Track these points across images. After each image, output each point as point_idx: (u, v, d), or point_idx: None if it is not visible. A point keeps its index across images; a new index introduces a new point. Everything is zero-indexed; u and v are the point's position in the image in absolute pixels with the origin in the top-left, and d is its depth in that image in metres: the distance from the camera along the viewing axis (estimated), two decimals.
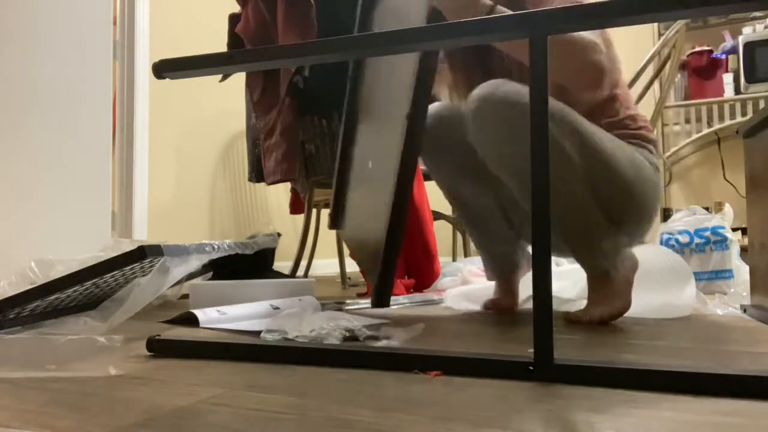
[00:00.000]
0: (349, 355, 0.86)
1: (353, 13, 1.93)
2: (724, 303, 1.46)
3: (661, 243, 1.95)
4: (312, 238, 2.82)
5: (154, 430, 0.57)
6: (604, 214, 1.21)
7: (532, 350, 0.74)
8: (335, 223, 1.67)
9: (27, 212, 1.81)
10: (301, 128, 2.09)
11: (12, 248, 1.74)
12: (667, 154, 3.51)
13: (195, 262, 1.40)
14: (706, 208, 2.03)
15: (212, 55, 0.94)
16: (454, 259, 2.68)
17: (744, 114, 3.35)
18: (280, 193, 3.31)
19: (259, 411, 0.63)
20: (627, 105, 1.32)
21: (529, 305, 1.33)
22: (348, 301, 1.63)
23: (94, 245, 1.68)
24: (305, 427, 0.57)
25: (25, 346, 0.92)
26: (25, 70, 1.83)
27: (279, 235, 2.08)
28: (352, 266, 2.46)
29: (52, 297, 1.14)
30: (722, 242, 1.84)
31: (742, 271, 1.81)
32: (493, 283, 1.54)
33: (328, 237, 2.98)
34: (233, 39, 2.12)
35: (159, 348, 0.95)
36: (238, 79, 2.31)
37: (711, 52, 3.51)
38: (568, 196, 1.18)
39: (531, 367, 0.74)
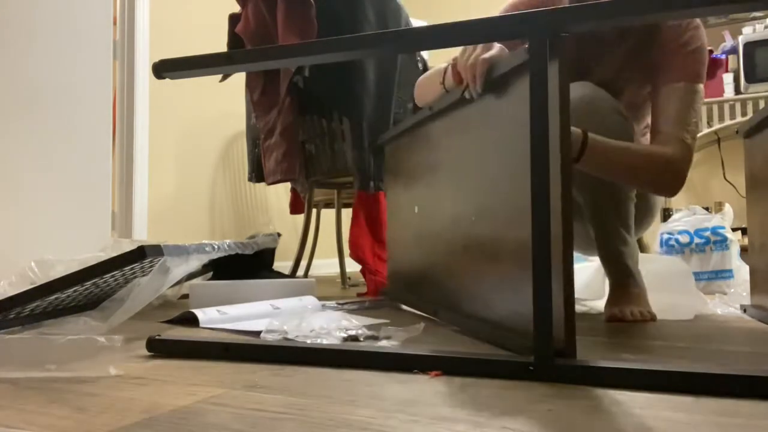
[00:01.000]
0: (349, 355, 0.86)
1: (353, 13, 1.93)
2: (724, 303, 1.46)
3: (661, 243, 1.95)
4: (312, 238, 2.82)
5: (154, 430, 0.57)
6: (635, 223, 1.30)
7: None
8: None
9: (27, 212, 1.81)
10: (301, 128, 2.08)
11: (12, 248, 1.74)
12: None
13: (195, 262, 1.40)
14: (706, 208, 2.03)
15: (212, 55, 0.94)
16: None
17: (744, 114, 3.35)
18: (280, 193, 3.31)
19: (259, 411, 0.63)
20: None
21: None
22: (348, 301, 1.63)
23: (94, 245, 1.68)
24: (305, 427, 0.57)
25: (25, 346, 0.92)
26: (25, 71, 1.83)
27: (279, 235, 2.08)
28: (352, 266, 2.46)
29: (52, 297, 1.14)
30: (722, 242, 1.84)
31: (742, 271, 1.81)
32: None
33: (328, 237, 2.98)
34: (233, 39, 2.12)
35: (159, 348, 0.96)
36: (238, 79, 2.31)
37: (711, 52, 3.50)
38: (625, 204, 1.25)
39: (531, 367, 0.74)
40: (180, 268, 1.29)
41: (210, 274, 1.83)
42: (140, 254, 1.12)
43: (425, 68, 2.21)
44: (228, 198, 3.03)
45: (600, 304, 1.40)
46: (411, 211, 1.47)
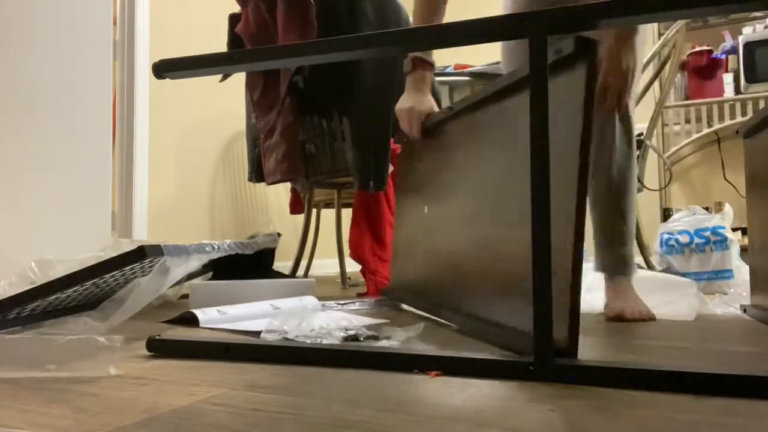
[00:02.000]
0: (349, 355, 0.86)
1: (353, 13, 1.93)
2: (724, 303, 1.46)
3: (661, 243, 1.95)
4: (312, 238, 2.82)
5: (154, 430, 0.57)
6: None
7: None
8: None
9: (27, 212, 1.81)
10: (301, 128, 2.08)
11: (12, 248, 1.74)
12: (667, 154, 3.51)
13: (195, 262, 1.40)
14: (706, 208, 2.04)
15: (212, 55, 0.94)
16: None
17: (744, 114, 3.35)
18: (280, 193, 3.31)
19: (259, 411, 0.63)
20: None
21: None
22: (348, 301, 1.63)
23: (94, 245, 1.68)
24: (305, 427, 0.57)
25: (25, 346, 0.92)
26: (25, 70, 1.83)
27: (279, 235, 2.08)
28: (352, 266, 2.45)
29: (52, 297, 1.14)
30: (722, 242, 1.84)
31: (742, 271, 1.81)
32: None
33: (328, 237, 2.98)
34: (233, 39, 2.12)
35: (159, 348, 0.96)
36: (238, 79, 2.31)
37: (711, 52, 3.51)
38: (628, 207, 1.30)
39: (531, 367, 0.74)
40: (180, 268, 1.29)
41: (210, 274, 1.83)
42: (140, 254, 1.12)
43: None
44: (228, 198, 3.03)
45: (598, 303, 1.40)
46: (421, 211, 1.47)
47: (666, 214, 3.26)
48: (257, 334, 1.10)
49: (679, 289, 1.37)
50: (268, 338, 1.05)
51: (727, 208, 1.96)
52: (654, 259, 2.03)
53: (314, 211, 2.70)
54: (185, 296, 1.69)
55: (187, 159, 2.81)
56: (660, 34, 3.57)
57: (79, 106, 1.96)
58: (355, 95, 1.92)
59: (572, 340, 0.76)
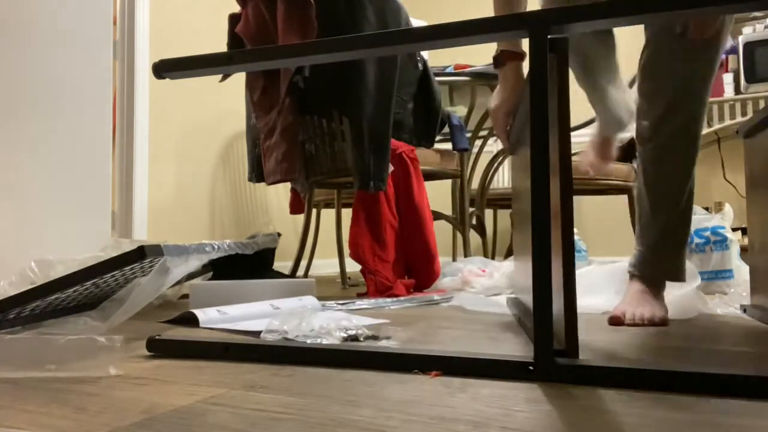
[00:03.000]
0: (349, 355, 0.86)
1: (353, 13, 1.93)
2: (724, 303, 1.46)
3: None
4: (312, 238, 2.82)
5: (154, 430, 0.57)
6: None
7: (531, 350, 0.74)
8: None
9: (27, 212, 1.81)
10: (301, 128, 2.08)
11: (12, 248, 1.74)
12: None
13: (195, 262, 1.40)
14: (706, 208, 2.03)
15: (212, 55, 0.94)
16: (454, 259, 2.68)
17: (744, 114, 3.35)
18: (280, 193, 3.31)
19: (259, 411, 0.63)
20: None
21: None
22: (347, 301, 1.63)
23: (94, 245, 1.68)
24: (305, 427, 0.57)
25: (25, 346, 0.92)
26: (25, 70, 1.83)
27: (279, 235, 2.08)
28: (352, 266, 2.45)
29: (52, 297, 1.14)
30: (722, 242, 1.84)
31: (742, 271, 1.81)
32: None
33: (328, 237, 2.98)
34: (233, 39, 2.12)
35: (159, 348, 0.96)
36: (238, 79, 2.31)
37: None
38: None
39: (531, 367, 0.74)
40: (180, 268, 1.29)
41: (210, 274, 1.83)
42: (140, 254, 1.12)
43: (425, 68, 2.21)
44: (228, 198, 3.03)
45: (599, 303, 1.40)
46: None
47: None
48: (257, 334, 1.10)
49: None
50: (268, 338, 1.05)
51: (727, 208, 1.96)
52: None
53: (314, 211, 2.70)
54: (185, 296, 1.69)
55: (187, 159, 2.81)
56: None
57: (79, 106, 1.96)
58: (356, 95, 1.92)
59: (570, 340, 0.76)
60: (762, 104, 3.29)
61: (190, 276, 1.70)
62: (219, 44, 2.20)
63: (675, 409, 0.61)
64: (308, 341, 0.99)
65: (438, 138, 2.31)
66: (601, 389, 0.69)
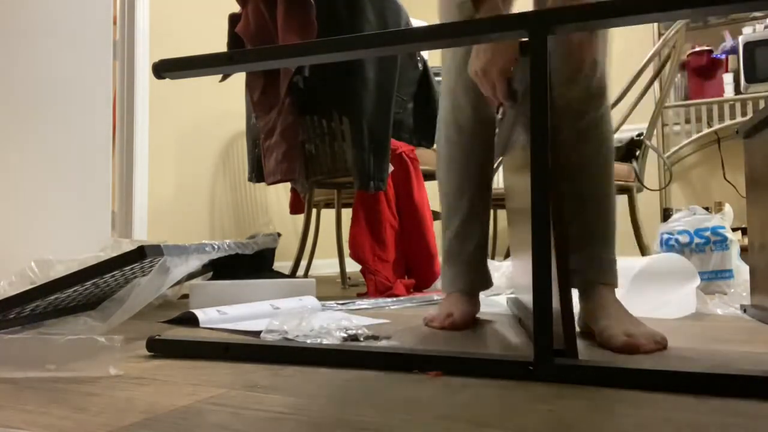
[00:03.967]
0: (350, 355, 0.86)
1: (353, 13, 1.93)
2: (724, 303, 1.46)
3: (661, 243, 1.95)
4: (312, 238, 2.82)
5: (154, 430, 0.57)
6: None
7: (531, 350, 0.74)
8: None
9: (27, 212, 1.81)
10: (301, 128, 2.09)
11: (12, 248, 1.74)
12: (667, 154, 3.51)
13: (195, 262, 1.40)
14: (706, 208, 2.03)
15: (212, 55, 0.94)
16: None
17: (744, 114, 3.35)
18: (280, 193, 3.31)
19: (259, 411, 0.63)
20: None
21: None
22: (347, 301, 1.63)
23: (94, 245, 1.68)
24: (305, 427, 0.57)
25: (25, 346, 0.92)
26: (25, 70, 1.83)
27: (279, 235, 2.08)
28: (352, 266, 2.45)
29: (52, 297, 1.14)
30: (722, 242, 1.84)
31: (742, 271, 1.81)
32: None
33: (328, 237, 2.98)
34: (233, 39, 2.12)
35: (159, 348, 0.96)
36: (238, 79, 2.31)
37: (711, 52, 3.51)
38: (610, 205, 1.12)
39: (531, 367, 0.74)
40: (180, 268, 1.29)
41: (210, 274, 1.83)
42: (140, 254, 1.12)
43: (425, 68, 2.21)
44: (228, 198, 3.03)
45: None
46: None
47: (666, 214, 3.25)
48: (257, 334, 1.10)
49: (680, 282, 1.36)
50: (268, 338, 1.05)
51: (727, 208, 1.96)
52: None
53: (314, 211, 2.70)
54: (185, 296, 1.69)
55: (187, 159, 2.81)
56: (660, 34, 3.57)
57: (79, 106, 1.96)
58: (356, 95, 1.92)
59: (569, 340, 0.76)
60: (762, 104, 3.29)
61: (190, 276, 1.70)
62: (219, 44, 2.20)
63: (675, 409, 0.61)
64: (308, 341, 0.99)
65: None
66: (601, 389, 0.69)
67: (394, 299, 1.72)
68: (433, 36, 0.84)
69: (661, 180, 3.36)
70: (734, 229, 1.97)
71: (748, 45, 3.27)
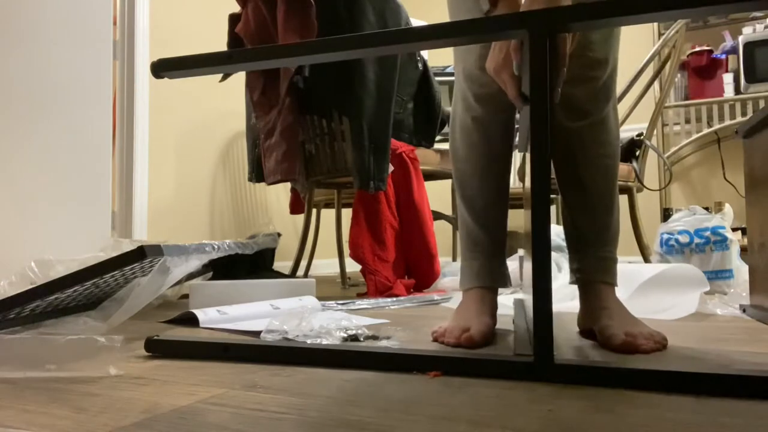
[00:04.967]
0: (349, 356, 0.86)
1: (353, 13, 1.93)
2: (723, 303, 1.46)
3: (661, 243, 1.95)
4: (312, 238, 2.82)
5: (154, 430, 0.57)
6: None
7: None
8: None
9: (27, 212, 1.81)
10: (301, 128, 2.09)
11: (12, 248, 1.74)
12: (667, 154, 3.51)
13: (195, 262, 1.40)
14: (706, 208, 2.03)
15: (211, 54, 0.94)
16: (454, 259, 2.68)
17: (744, 114, 3.35)
18: (280, 193, 3.31)
19: (259, 411, 0.63)
20: None
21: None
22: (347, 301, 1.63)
23: (94, 245, 1.68)
24: (305, 427, 0.57)
25: (25, 346, 0.92)
26: (25, 70, 1.83)
27: (279, 235, 2.08)
28: (352, 266, 2.46)
29: (52, 297, 1.14)
30: (722, 242, 1.84)
31: (742, 271, 1.81)
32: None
33: (328, 237, 2.98)
34: (233, 39, 2.12)
35: (159, 348, 0.96)
36: (238, 79, 2.31)
37: (711, 52, 3.51)
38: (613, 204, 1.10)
39: (531, 367, 0.74)
40: (180, 268, 1.29)
41: (210, 274, 1.83)
42: (140, 254, 1.13)
43: (425, 68, 2.21)
44: (228, 198, 3.03)
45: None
46: None
47: (666, 214, 3.25)
48: (257, 334, 1.10)
49: (688, 288, 1.35)
50: (268, 338, 1.05)
51: (727, 208, 1.96)
52: (654, 259, 2.03)
53: (314, 211, 2.70)
54: (185, 296, 1.69)
55: (187, 159, 2.81)
56: (660, 34, 3.57)
57: (79, 106, 1.96)
58: (356, 95, 1.92)
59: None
60: (762, 104, 3.29)
61: (190, 276, 1.70)
62: (219, 44, 2.20)
63: (675, 409, 0.61)
64: (308, 341, 0.99)
65: (438, 138, 2.31)
66: (601, 389, 0.69)
67: (394, 299, 1.72)
68: (433, 36, 0.84)
69: (661, 180, 3.36)
70: (734, 229, 1.97)
71: (748, 45, 3.27)
